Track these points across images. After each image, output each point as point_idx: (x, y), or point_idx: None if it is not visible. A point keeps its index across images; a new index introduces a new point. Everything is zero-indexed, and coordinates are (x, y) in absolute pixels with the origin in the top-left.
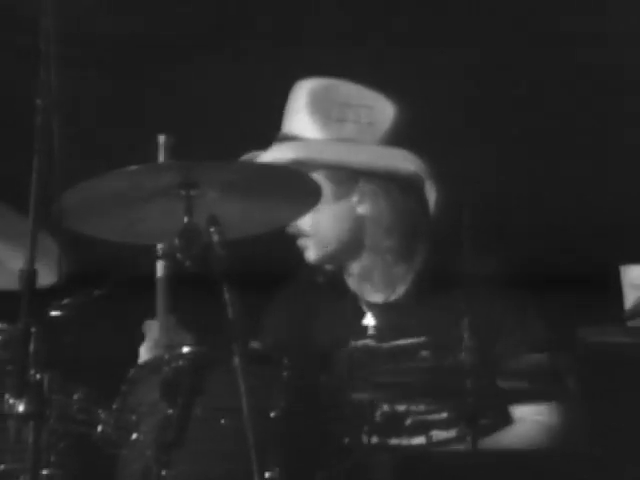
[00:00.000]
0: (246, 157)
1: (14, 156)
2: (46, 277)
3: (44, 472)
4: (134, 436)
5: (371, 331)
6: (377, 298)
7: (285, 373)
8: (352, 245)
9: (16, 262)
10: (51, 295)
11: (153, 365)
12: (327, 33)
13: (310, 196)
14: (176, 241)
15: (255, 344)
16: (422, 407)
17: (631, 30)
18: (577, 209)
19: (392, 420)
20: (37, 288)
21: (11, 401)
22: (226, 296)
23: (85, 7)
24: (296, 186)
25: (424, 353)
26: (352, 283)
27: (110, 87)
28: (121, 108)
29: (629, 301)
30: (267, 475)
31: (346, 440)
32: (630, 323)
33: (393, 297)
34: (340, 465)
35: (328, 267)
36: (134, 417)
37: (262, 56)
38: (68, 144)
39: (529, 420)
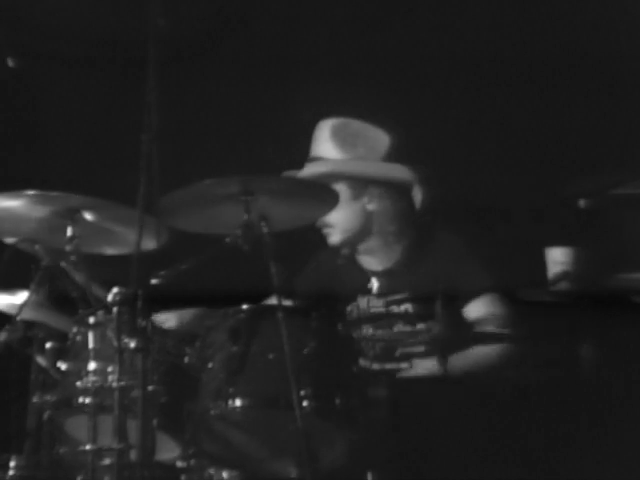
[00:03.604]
0: (286, 173)
1: (126, 173)
2: (148, 243)
3: (149, 388)
4: (210, 365)
5: (375, 290)
6: (377, 267)
7: (314, 322)
8: (363, 232)
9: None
10: (152, 267)
11: (222, 316)
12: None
13: (330, 201)
14: (238, 232)
15: (293, 302)
16: (407, 341)
17: None
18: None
19: (386, 351)
20: (143, 257)
21: (126, 340)
22: (272, 269)
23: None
24: (321, 194)
25: (406, 304)
26: (360, 258)
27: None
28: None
29: (551, 273)
30: (301, 393)
31: (356, 367)
32: (552, 288)
33: (388, 266)
34: (353, 385)
35: (344, 251)
36: (210, 351)
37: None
38: (162, 163)
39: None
